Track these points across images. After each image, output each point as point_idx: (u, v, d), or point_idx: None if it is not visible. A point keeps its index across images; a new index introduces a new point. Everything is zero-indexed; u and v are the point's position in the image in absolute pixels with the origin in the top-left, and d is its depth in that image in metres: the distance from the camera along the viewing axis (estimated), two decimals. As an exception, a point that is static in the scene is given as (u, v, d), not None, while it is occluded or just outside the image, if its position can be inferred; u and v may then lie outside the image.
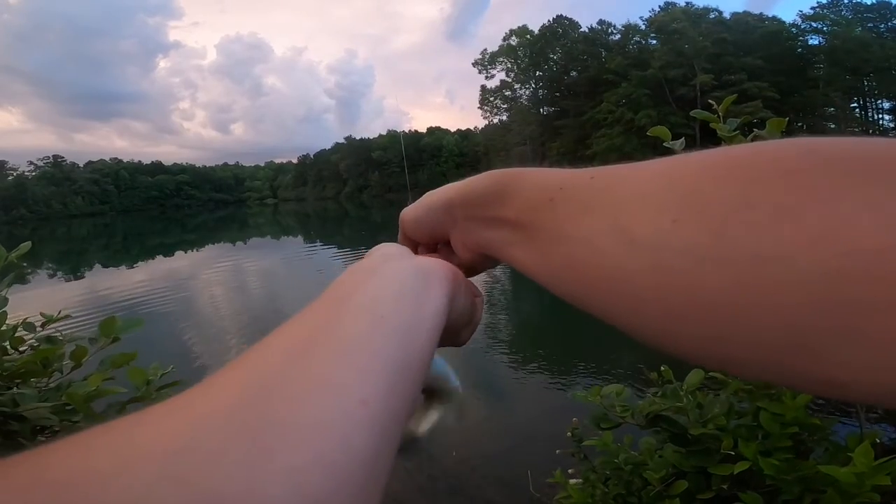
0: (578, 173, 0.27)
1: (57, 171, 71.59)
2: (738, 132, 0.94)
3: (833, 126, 29.88)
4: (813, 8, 31.13)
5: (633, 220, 0.21)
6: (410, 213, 0.40)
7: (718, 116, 0.97)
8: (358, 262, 0.30)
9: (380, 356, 0.20)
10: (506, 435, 3.48)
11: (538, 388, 4.48)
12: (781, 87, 28.36)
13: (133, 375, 1.06)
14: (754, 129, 0.93)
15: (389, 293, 0.24)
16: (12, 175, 69.32)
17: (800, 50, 31.39)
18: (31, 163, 71.53)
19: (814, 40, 31.17)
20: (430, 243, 0.42)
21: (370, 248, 0.34)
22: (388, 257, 0.30)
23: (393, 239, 0.42)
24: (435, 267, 0.29)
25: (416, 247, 0.43)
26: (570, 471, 1.28)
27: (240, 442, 0.15)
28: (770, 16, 33.10)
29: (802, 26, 31.53)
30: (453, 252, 0.41)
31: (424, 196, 0.41)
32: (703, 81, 28.92)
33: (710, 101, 1.05)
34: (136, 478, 0.13)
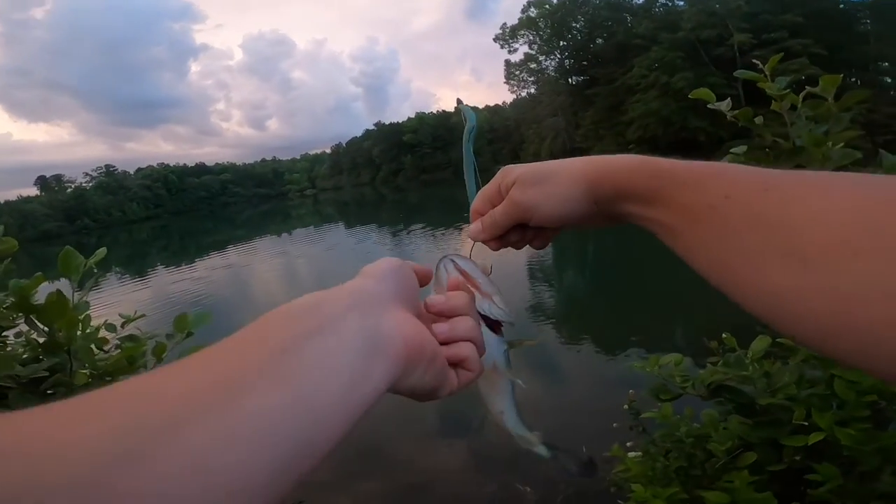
0: (746, 180, 0.27)
1: (111, 180, 75.99)
2: (788, 90, 0.91)
3: (889, 80, 27.34)
4: (854, -38, 28.19)
5: (810, 243, 0.22)
6: (543, 205, 0.37)
7: (765, 75, 0.93)
8: (322, 293, 0.27)
9: (274, 440, 0.19)
10: (559, 409, 3.48)
11: (591, 361, 4.42)
12: (828, 43, 25.97)
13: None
14: (806, 87, 0.90)
15: (319, 374, 0.22)
16: (70, 187, 74.22)
17: (842, 6, 28.69)
18: (87, 174, 76.27)
19: (856, -5, 28.42)
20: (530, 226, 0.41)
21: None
22: (352, 308, 0.27)
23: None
24: (391, 341, 0.27)
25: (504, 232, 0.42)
26: (627, 444, 1.27)
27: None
28: (806, -27, 30.23)
29: (843, -19, 28.65)
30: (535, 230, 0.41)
31: (534, 183, 0.38)
32: (742, 41, 26.85)
33: (753, 60, 1.00)
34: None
